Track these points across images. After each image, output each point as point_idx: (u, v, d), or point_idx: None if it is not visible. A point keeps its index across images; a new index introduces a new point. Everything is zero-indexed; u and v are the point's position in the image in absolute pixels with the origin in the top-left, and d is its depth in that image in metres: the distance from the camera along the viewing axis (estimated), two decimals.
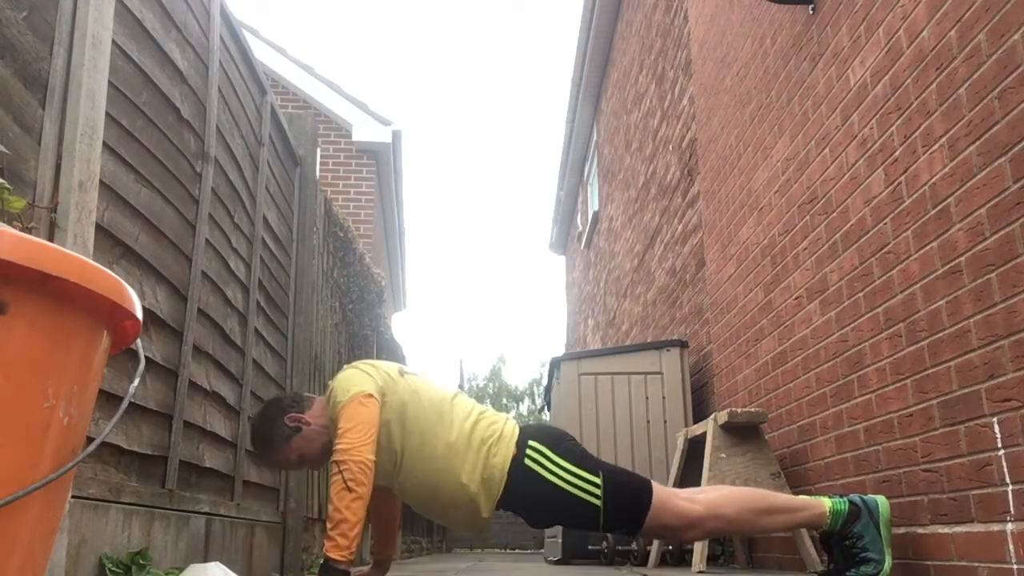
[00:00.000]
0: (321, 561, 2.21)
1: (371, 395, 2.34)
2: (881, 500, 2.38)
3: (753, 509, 2.37)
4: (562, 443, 2.41)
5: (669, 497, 2.35)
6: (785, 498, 2.51)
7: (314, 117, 4.50)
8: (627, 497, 2.33)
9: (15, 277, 0.82)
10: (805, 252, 3.58)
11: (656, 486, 2.36)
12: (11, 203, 1.29)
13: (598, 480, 2.32)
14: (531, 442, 2.38)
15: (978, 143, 2.31)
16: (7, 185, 1.30)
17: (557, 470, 2.33)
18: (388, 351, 7.83)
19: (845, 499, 2.38)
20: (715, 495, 2.40)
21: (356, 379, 2.39)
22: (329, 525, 2.18)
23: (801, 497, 2.45)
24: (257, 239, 3.30)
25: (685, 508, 2.33)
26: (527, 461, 2.35)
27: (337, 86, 9.27)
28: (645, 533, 2.40)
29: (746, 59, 4.42)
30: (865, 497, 2.39)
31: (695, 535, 2.42)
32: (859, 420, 3.06)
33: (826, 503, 2.37)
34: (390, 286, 11.42)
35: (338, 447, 2.24)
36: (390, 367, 2.50)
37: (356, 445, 2.23)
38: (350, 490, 2.17)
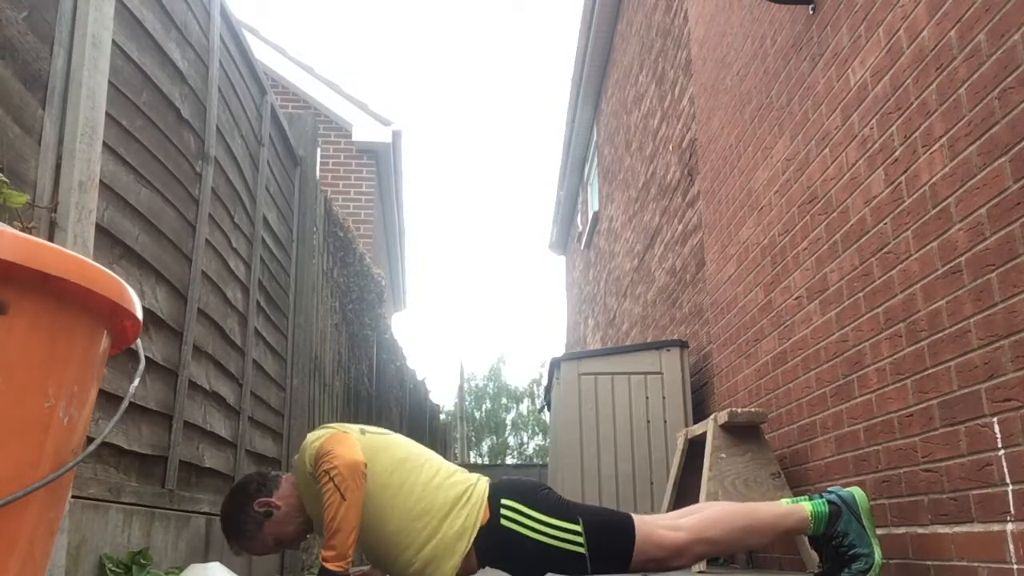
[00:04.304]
0: (319, 565, 2.23)
1: (347, 432, 2.36)
2: (858, 492, 2.38)
3: (737, 528, 2.34)
4: (536, 495, 2.35)
5: (652, 529, 2.30)
6: (768, 510, 2.45)
7: (314, 117, 4.50)
8: (610, 538, 2.29)
9: (15, 277, 0.82)
10: (805, 252, 3.58)
11: (637, 519, 2.32)
12: (12, 197, 1.28)
13: (578, 527, 2.27)
14: (504, 500, 2.32)
15: (978, 143, 2.31)
16: (5, 179, 1.29)
17: (536, 524, 2.28)
18: (388, 351, 7.83)
19: (824, 499, 2.38)
20: (697, 519, 2.35)
21: (326, 431, 2.39)
22: (326, 534, 2.19)
23: (783, 505, 2.43)
24: (257, 239, 3.30)
25: (669, 537, 2.29)
26: (504, 521, 2.29)
27: (337, 86, 9.27)
28: (633, 569, 2.33)
29: (746, 59, 4.42)
30: (842, 492, 2.38)
31: (683, 563, 2.36)
32: (859, 420, 3.06)
33: (807, 507, 2.36)
34: (390, 286, 11.43)
35: (325, 459, 2.23)
36: (350, 427, 2.44)
37: (345, 453, 2.22)
38: (343, 497, 2.17)
